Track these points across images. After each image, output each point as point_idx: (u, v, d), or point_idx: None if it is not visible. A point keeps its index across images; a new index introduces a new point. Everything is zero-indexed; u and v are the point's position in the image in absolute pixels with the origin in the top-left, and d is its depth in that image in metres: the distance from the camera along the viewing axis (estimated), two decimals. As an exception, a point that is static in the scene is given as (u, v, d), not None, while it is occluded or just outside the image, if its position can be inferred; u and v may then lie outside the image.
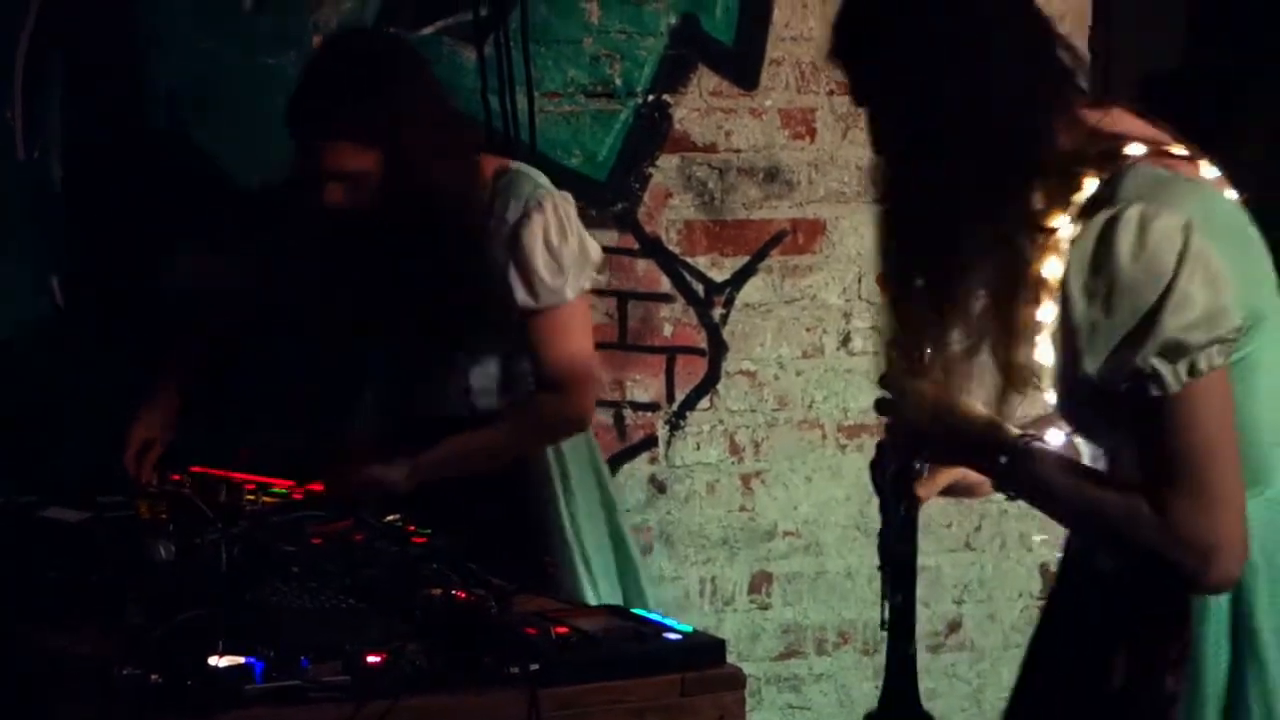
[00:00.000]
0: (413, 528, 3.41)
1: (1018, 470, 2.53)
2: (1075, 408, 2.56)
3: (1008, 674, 4.71)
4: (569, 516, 3.89)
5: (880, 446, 2.76)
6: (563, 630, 2.90)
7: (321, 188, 3.66)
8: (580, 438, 3.96)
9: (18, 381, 4.18)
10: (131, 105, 4.20)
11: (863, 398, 4.75)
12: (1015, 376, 2.56)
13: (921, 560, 4.59)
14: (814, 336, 4.74)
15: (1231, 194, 2.58)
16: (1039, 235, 2.50)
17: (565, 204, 3.81)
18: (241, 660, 2.70)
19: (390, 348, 3.91)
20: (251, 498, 3.57)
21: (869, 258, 4.73)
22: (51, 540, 3.24)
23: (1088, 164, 2.51)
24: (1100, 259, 2.41)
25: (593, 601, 3.77)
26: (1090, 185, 2.49)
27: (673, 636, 2.97)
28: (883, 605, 2.73)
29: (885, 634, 2.73)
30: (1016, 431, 2.55)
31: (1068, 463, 2.56)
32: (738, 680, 2.94)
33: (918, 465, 2.71)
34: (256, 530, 3.27)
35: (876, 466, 2.75)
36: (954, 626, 4.88)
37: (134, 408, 3.90)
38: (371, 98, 3.62)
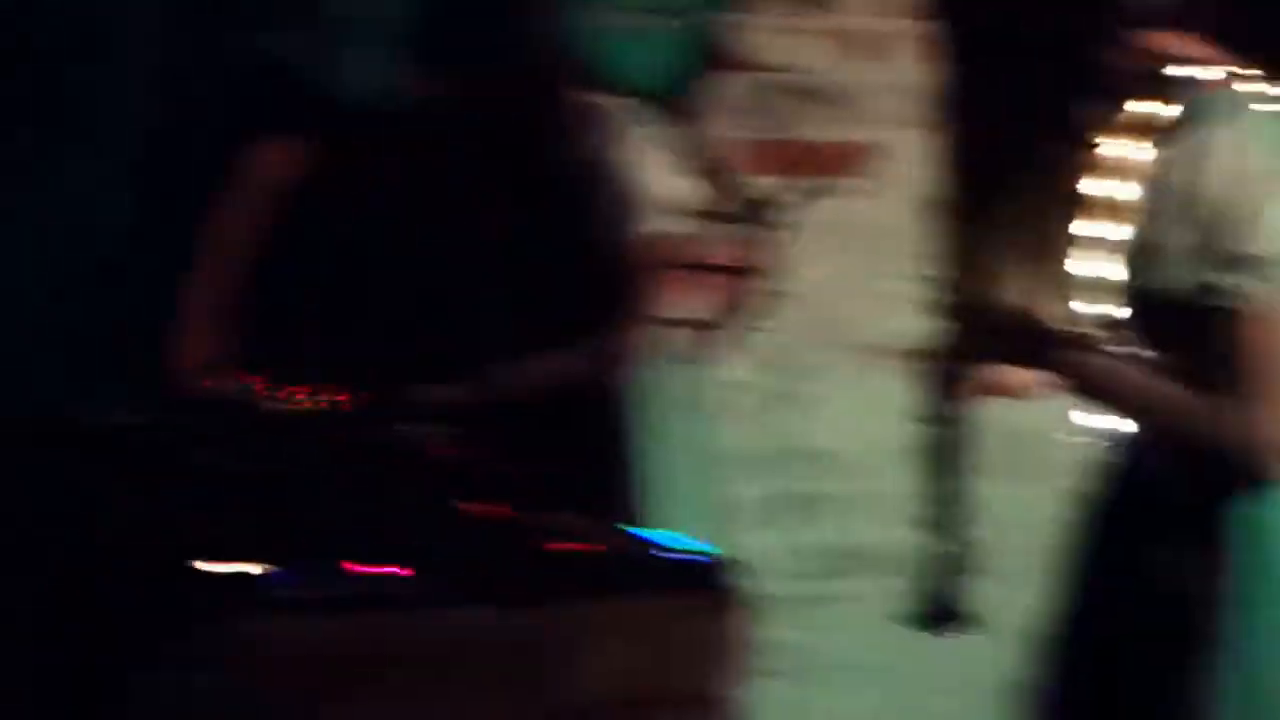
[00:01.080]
0: (448, 439, 3.49)
1: (1085, 366, 2.73)
2: (1143, 321, 2.71)
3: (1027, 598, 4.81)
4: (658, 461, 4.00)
5: (932, 352, 2.92)
6: (573, 548, 2.98)
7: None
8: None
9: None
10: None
11: (910, 323, 4.79)
12: (1061, 289, 2.74)
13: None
14: (867, 261, 4.79)
15: None
16: (1101, 154, 2.67)
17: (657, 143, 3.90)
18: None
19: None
20: (289, 403, 3.65)
21: (929, 184, 4.76)
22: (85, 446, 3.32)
23: (1155, 86, 2.65)
24: (1192, 182, 2.58)
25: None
26: (1158, 109, 2.65)
27: (680, 557, 3.04)
28: (926, 504, 2.95)
29: (929, 533, 2.96)
30: (1076, 333, 2.74)
31: (1131, 362, 2.73)
32: (742, 601, 2.99)
33: (968, 369, 2.89)
34: (288, 436, 3.37)
35: (927, 370, 2.93)
36: (975, 549, 4.92)
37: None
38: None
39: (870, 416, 4.83)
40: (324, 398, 3.69)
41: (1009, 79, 2.67)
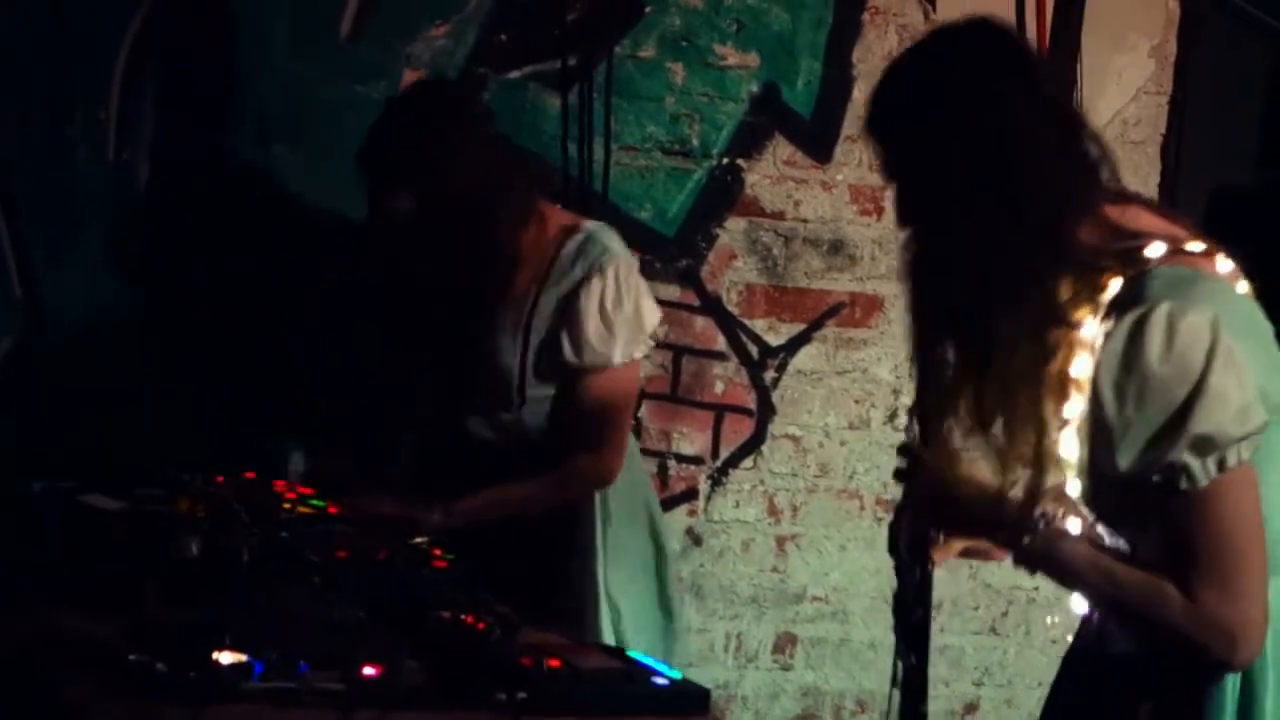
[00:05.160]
0: (438, 551, 3.53)
1: (1038, 546, 2.63)
2: (1101, 498, 2.64)
3: (1020, 760, 4.82)
4: (604, 573, 3.99)
5: (897, 511, 2.86)
6: (555, 664, 3.00)
7: (379, 225, 3.88)
8: (638, 496, 4.10)
9: (87, 377, 4.34)
10: (222, 122, 4.36)
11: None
12: (1030, 462, 2.64)
13: (946, 640, 4.70)
14: (862, 409, 4.83)
15: (1244, 285, 2.66)
16: (1064, 330, 2.59)
17: (629, 270, 3.93)
18: (244, 659, 2.82)
19: (440, 386, 4.04)
20: (288, 507, 3.69)
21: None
22: (86, 526, 3.38)
23: (1110, 262, 2.59)
24: (1131, 358, 2.51)
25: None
26: (1114, 284, 2.57)
27: (660, 681, 3.06)
28: (895, 665, 2.85)
29: (896, 692, 2.84)
30: (1035, 509, 2.64)
31: (1088, 542, 2.64)
32: (717, 730, 3.02)
33: (934, 531, 2.82)
34: (285, 538, 3.41)
35: (893, 530, 2.86)
36: (971, 708, 4.95)
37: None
38: (418, 151, 3.80)
39: (857, 562, 4.87)
40: (313, 499, 3.75)
41: (973, 243, 2.67)
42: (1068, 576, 2.66)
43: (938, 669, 4.81)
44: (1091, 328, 2.57)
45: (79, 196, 4.28)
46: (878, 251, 4.80)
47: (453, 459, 4.03)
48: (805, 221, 4.76)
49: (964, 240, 2.62)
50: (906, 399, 4.82)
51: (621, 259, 3.91)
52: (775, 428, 4.79)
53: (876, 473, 4.84)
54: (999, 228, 2.60)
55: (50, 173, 4.27)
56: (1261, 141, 4.99)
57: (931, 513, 2.77)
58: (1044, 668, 4.97)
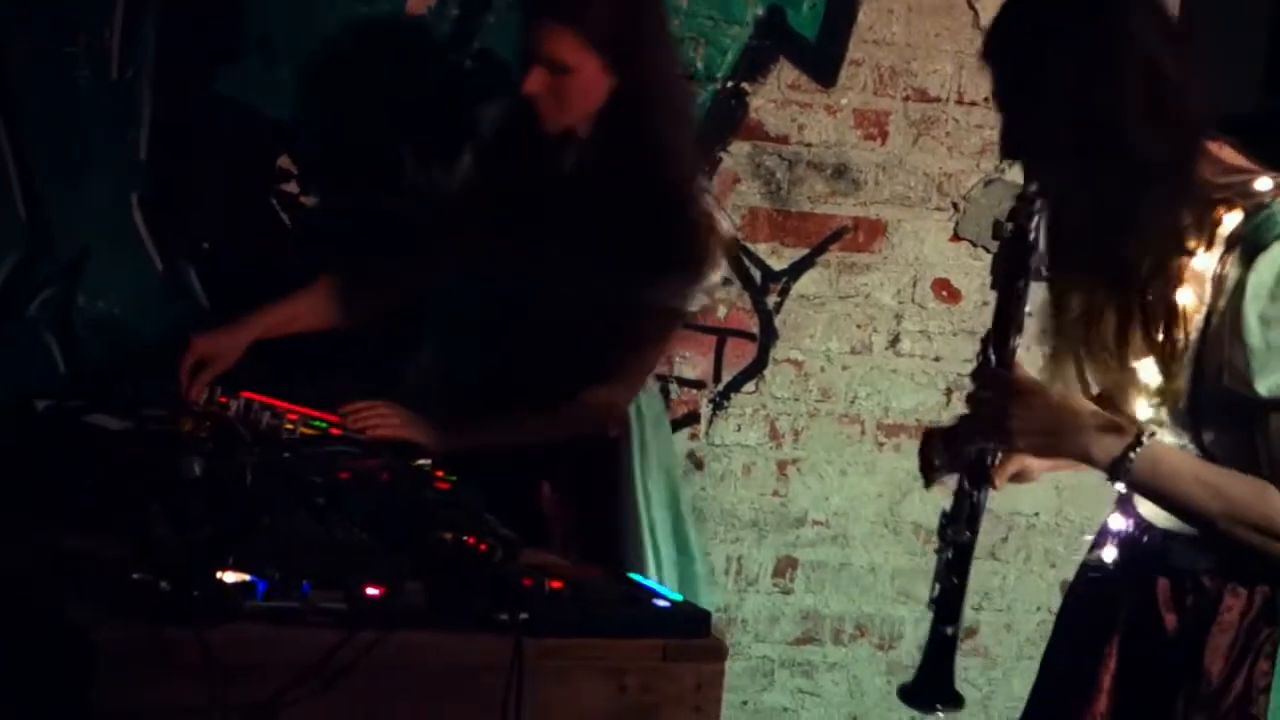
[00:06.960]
0: (440, 474, 3.54)
1: (1144, 462, 2.73)
2: (1204, 418, 2.75)
3: (1019, 684, 4.84)
4: (641, 482, 4.00)
5: (951, 434, 2.93)
6: (557, 585, 3.01)
7: (527, 72, 3.77)
8: (659, 406, 4.12)
9: (90, 296, 4.35)
10: (225, 42, 4.34)
11: (905, 398, 4.86)
12: (1132, 385, 2.78)
13: (943, 564, 4.65)
14: (864, 334, 4.83)
15: None
16: (1183, 260, 2.70)
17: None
18: (247, 578, 2.83)
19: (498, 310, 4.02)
20: (291, 427, 3.70)
21: (926, 262, 4.83)
22: (90, 445, 3.39)
23: (1225, 195, 2.70)
24: (1278, 290, 2.63)
25: (652, 566, 3.93)
26: (1229, 218, 2.68)
27: (661, 603, 3.08)
28: (933, 585, 2.92)
29: (930, 612, 2.92)
30: (1137, 428, 2.75)
31: (1188, 454, 2.77)
32: (719, 652, 3.03)
33: (992, 455, 2.88)
34: (287, 458, 3.42)
35: (925, 451, 2.96)
36: (970, 632, 4.96)
37: (211, 324, 4.03)
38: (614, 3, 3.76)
39: (858, 487, 4.88)
40: (316, 420, 3.75)
41: (1100, 185, 2.73)
42: (1171, 490, 2.76)
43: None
44: (1204, 259, 2.69)
45: (82, 116, 4.27)
46: (881, 176, 4.79)
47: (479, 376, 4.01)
48: (809, 146, 4.75)
49: (1091, 174, 2.72)
50: (909, 324, 4.83)
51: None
52: (777, 352, 4.80)
53: (878, 398, 4.84)
54: (1132, 163, 2.69)
55: (54, 93, 4.25)
56: (1266, 69, 4.97)
57: (1016, 433, 2.81)
58: (1043, 593, 4.99)
